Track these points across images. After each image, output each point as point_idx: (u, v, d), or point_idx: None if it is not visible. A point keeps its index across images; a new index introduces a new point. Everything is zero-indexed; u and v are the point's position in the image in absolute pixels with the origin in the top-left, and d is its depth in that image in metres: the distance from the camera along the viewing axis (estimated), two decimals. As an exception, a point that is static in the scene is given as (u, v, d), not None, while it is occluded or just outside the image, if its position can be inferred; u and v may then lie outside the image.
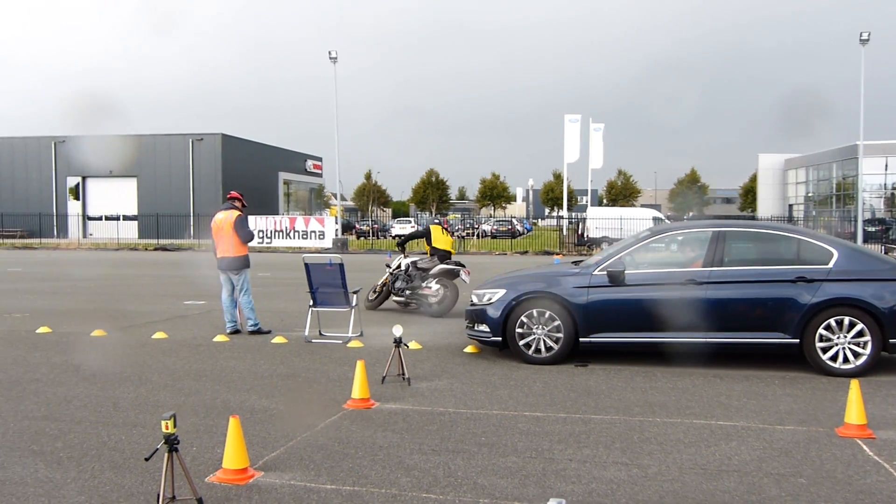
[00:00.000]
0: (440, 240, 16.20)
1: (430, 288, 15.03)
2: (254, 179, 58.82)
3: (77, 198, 63.56)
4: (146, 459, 5.45)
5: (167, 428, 5.09)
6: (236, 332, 12.63)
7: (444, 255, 15.97)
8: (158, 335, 12.40)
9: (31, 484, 5.76)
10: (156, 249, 45.74)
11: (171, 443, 5.12)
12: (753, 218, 64.81)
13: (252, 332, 12.61)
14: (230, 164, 62.35)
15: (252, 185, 56.54)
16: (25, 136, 64.04)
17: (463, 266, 15.46)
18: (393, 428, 7.27)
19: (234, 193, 13.03)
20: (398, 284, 15.49)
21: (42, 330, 12.98)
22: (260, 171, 66.75)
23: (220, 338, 12.18)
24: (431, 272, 15.27)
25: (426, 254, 16.62)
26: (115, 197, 61.99)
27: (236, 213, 12.71)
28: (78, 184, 63.59)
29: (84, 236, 59.06)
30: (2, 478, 5.87)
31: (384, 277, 16.06)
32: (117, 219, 58.89)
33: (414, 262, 15.76)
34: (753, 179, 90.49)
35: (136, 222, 59.89)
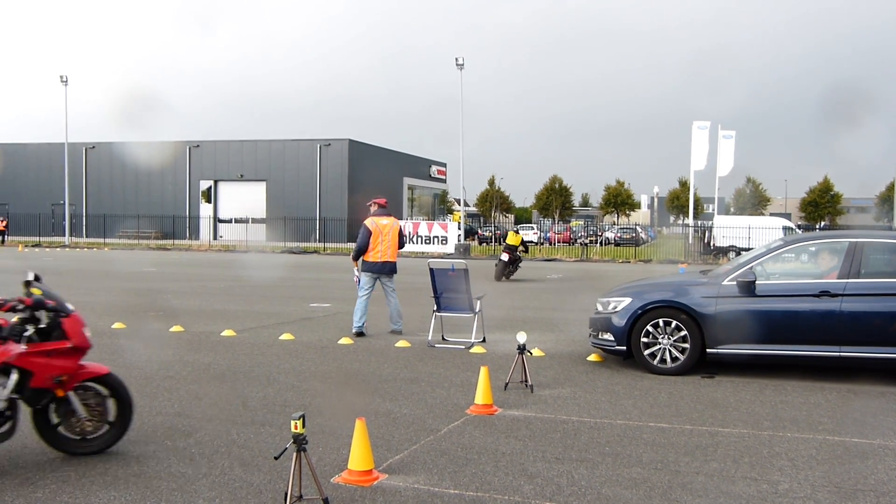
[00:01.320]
0: (511, 238, 26.89)
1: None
2: (379, 184, 59.84)
3: (209, 201, 66.25)
4: (275, 458, 5.61)
5: (296, 428, 5.23)
6: (361, 334, 12.95)
7: (513, 249, 26.46)
8: (285, 336, 12.77)
9: (165, 478, 6.02)
10: (283, 252, 47.13)
11: (300, 443, 5.26)
12: (890, 229, 61.77)
13: (394, 332, 13.22)
14: (356, 169, 63.74)
15: (377, 190, 57.59)
16: (163, 141, 67.14)
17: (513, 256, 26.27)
18: (516, 435, 7.26)
19: (384, 200, 13.52)
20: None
21: (175, 329, 13.56)
22: (385, 176, 67.93)
23: (345, 340, 12.44)
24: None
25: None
26: (245, 200, 64.30)
27: (396, 220, 13.46)
28: (210, 187, 66.27)
29: (214, 238, 61.46)
30: (138, 471, 6.17)
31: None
32: (246, 221, 61.07)
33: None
34: (890, 189, 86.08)
35: (264, 225, 61.91)
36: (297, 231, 55.41)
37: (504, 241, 28.76)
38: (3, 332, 6.18)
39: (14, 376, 6.12)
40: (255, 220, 62.24)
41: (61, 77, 54.10)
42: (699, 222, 62.33)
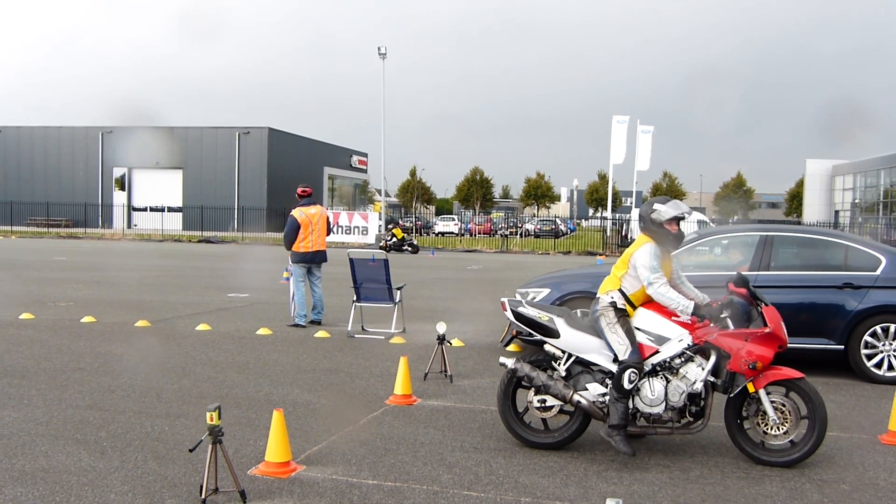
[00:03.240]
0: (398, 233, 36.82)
1: None
2: (299, 174, 59.16)
3: (123, 188, 64.60)
4: (190, 451, 5.52)
5: (212, 419, 5.16)
6: (318, 322, 13.17)
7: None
8: (202, 327, 12.56)
9: (75, 472, 5.86)
10: (200, 242, 46.30)
11: (216, 434, 5.18)
12: (799, 223, 63.80)
13: (315, 322, 13.17)
14: (276, 158, 62.94)
15: (297, 180, 56.79)
16: (73, 126, 65.20)
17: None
18: (435, 425, 7.29)
19: (309, 189, 13.37)
20: None
21: (87, 319, 13.20)
22: (305, 165, 67.23)
23: (263, 331, 12.30)
24: None
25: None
26: (161, 188, 62.91)
27: (324, 208, 13.41)
28: (124, 174, 64.61)
29: (129, 227, 60.02)
30: (46, 466, 5.99)
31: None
32: (162, 210, 59.77)
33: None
34: (800, 185, 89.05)
35: (180, 214, 60.72)
36: (215, 220, 54.53)
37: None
38: (703, 311, 6.22)
39: (713, 357, 6.23)
40: (171, 209, 60.98)
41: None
42: (617, 215, 63.45)
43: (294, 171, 61.66)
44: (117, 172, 64.70)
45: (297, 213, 13.12)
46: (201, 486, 5.25)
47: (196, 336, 11.91)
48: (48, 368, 9.46)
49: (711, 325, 6.30)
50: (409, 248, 39.29)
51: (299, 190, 13.41)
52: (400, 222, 43.66)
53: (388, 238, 39.83)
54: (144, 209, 63.06)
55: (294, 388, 8.63)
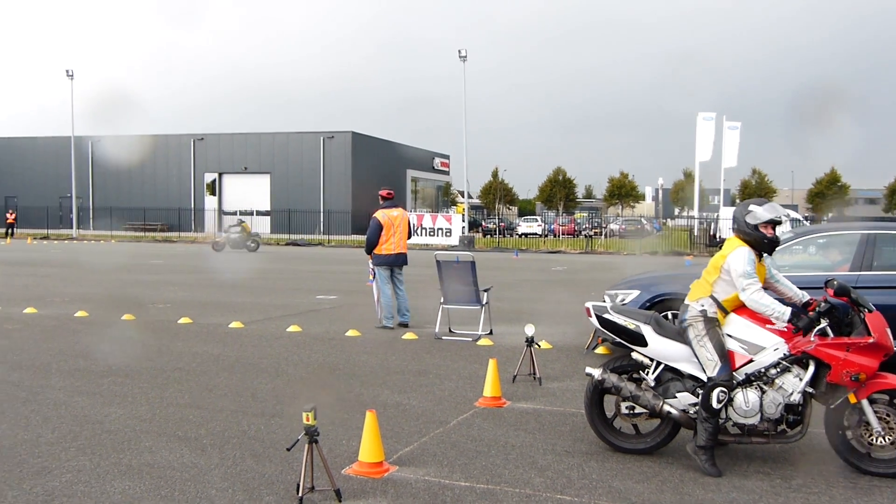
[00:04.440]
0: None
1: None
2: (382, 176, 59.75)
3: (213, 193, 66.23)
4: (287, 450, 5.63)
5: (308, 420, 5.25)
6: (405, 324, 13.19)
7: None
8: (293, 328, 12.79)
9: (177, 468, 6.04)
10: (287, 244, 47.15)
11: (312, 434, 5.27)
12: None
13: (402, 324, 13.19)
14: (359, 161, 63.67)
15: (380, 182, 57.53)
16: (167, 134, 67.13)
17: None
18: (525, 427, 7.26)
19: (391, 192, 13.59)
20: None
21: (183, 321, 13.58)
22: (388, 168, 67.83)
23: (352, 332, 12.45)
24: None
25: None
26: (250, 193, 64.31)
27: (405, 211, 13.55)
28: (214, 180, 66.25)
29: (219, 230, 61.49)
30: (151, 461, 6.19)
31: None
32: (251, 214, 61.10)
33: None
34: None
35: (268, 217, 61.93)
36: (302, 223, 55.44)
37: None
38: (800, 322, 6.04)
39: (811, 368, 6.03)
40: (259, 213, 62.27)
41: (67, 71, 54.19)
42: (704, 214, 62.25)
43: (377, 174, 62.26)
44: (208, 178, 66.39)
45: (380, 215, 13.24)
46: (298, 485, 5.34)
47: (287, 337, 12.13)
48: (149, 368, 9.77)
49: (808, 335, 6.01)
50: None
51: (382, 192, 13.54)
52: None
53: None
54: (234, 213, 64.56)
55: (384, 390, 8.71)
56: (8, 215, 53.99)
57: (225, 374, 9.47)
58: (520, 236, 62.59)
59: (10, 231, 52.07)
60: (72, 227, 56.75)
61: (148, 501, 5.39)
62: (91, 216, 65.36)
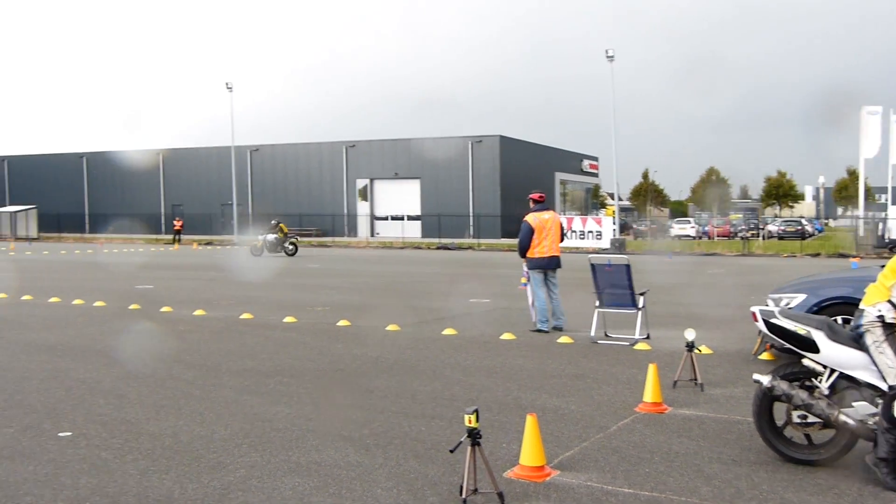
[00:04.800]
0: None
1: None
2: (531, 180, 59.70)
3: (365, 198, 67.98)
4: (451, 451, 5.69)
5: (470, 422, 5.29)
6: (559, 328, 13.14)
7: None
8: (448, 331, 12.95)
9: (343, 467, 6.22)
10: (437, 248, 47.82)
11: (474, 437, 5.31)
12: None
13: (556, 328, 13.12)
14: (508, 164, 63.89)
15: (529, 186, 57.36)
16: (320, 142, 69.44)
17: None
18: (689, 434, 7.08)
19: (542, 195, 13.58)
20: None
21: (342, 323, 13.99)
22: (536, 171, 67.76)
23: (507, 335, 12.49)
24: None
25: None
26: (400, 198, 65.64)
27: (557, 214, 13.61)
28: (366, 185, 67.99)
29: (372, 235, 63.03)
30: (318, 459, 6.40)
31: None
32: (402, 219, 62.37)
33: None
34: None
35: (419, 222, 63.02)
36: (452, 227, 56.10)
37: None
38: None
39: None
40: (410, 218, 63.46)
41: (226, 84, 56.91)
42: (871, 214, 59.01)
43: (526, 177, 62.24)
44: (360, 184, 68.19)
45: (531, 218, 13.22)
46: (461, 486, 5.39)
47: (443, 340, 12.29)
48: (312, 368, 10.12)
49: None
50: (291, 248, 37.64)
51: (533, 196, 13.50)
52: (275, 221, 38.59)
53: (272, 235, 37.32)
54: (386, 218, 66.09)
55: (542, 393, 8.69)
56: (175, 222, 57.24)
57: (384, 375, 9.69)
58: (672, 238, 61.16)
59: (177, 237, 55.14)
60: (233, 233, 59.42)
61: (317, 498, 5.58)
62: (251, 222, 68.33)
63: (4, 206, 72.87)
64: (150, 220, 69.66)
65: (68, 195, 76.22)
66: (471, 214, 60.47)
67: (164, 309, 16.11)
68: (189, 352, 11.44)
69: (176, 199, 73.23)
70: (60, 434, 7.18)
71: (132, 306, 16.60)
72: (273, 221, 38.21)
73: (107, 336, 12.87)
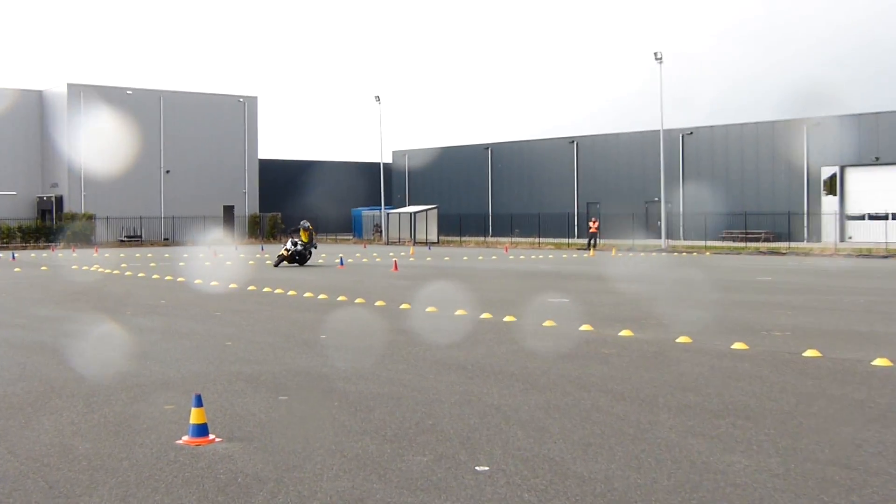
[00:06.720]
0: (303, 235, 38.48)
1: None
2: None
3: (832, 192, 64.79)
4: None
5: None
6: None
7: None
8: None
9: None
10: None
11: None
12: None
13: None
14: None
15: None
16: (772, 121, 67.39)
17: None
18: None
19: None
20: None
21: (809, 353, 13.44)
22: None
23: None
24: None
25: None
26: (883, 190, 61.64)
27: None
28: (834, 174, 64.69)
29: (841, 240, 60.01)
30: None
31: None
32: (885, 217, 58.60)
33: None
34: None
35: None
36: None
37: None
38: None
39: None
40: (895, 217, 59.47)
41: (655, 54, 57.38)
42: None
43: None
44: (826, 172, 65.05)
45: None
46: None
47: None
48: (774, 410, 9.83)
49: None
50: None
51: None
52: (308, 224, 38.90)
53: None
54: (861, 217, 62.43)
55: None
56: (590, 224, 58.75)
57: (875, 425, 9.13)
58: None
59: (592, 242, 56.47)
60: (660, 237, 59.72)
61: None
62: (681, 223, 68.39)
63: (404, 206, 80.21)
64: (559, 220, 72.15)
65: (469, 193, 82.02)
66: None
67: (584, 328, 16.62)
68: (616, 380, 11.69)
69: (590, 195, 75.40)
70: (478, 468, 7.67)
71: (546, 322, 17.36)
72: (303, 222, 39.42)
73: (519, 356, 13.57)
